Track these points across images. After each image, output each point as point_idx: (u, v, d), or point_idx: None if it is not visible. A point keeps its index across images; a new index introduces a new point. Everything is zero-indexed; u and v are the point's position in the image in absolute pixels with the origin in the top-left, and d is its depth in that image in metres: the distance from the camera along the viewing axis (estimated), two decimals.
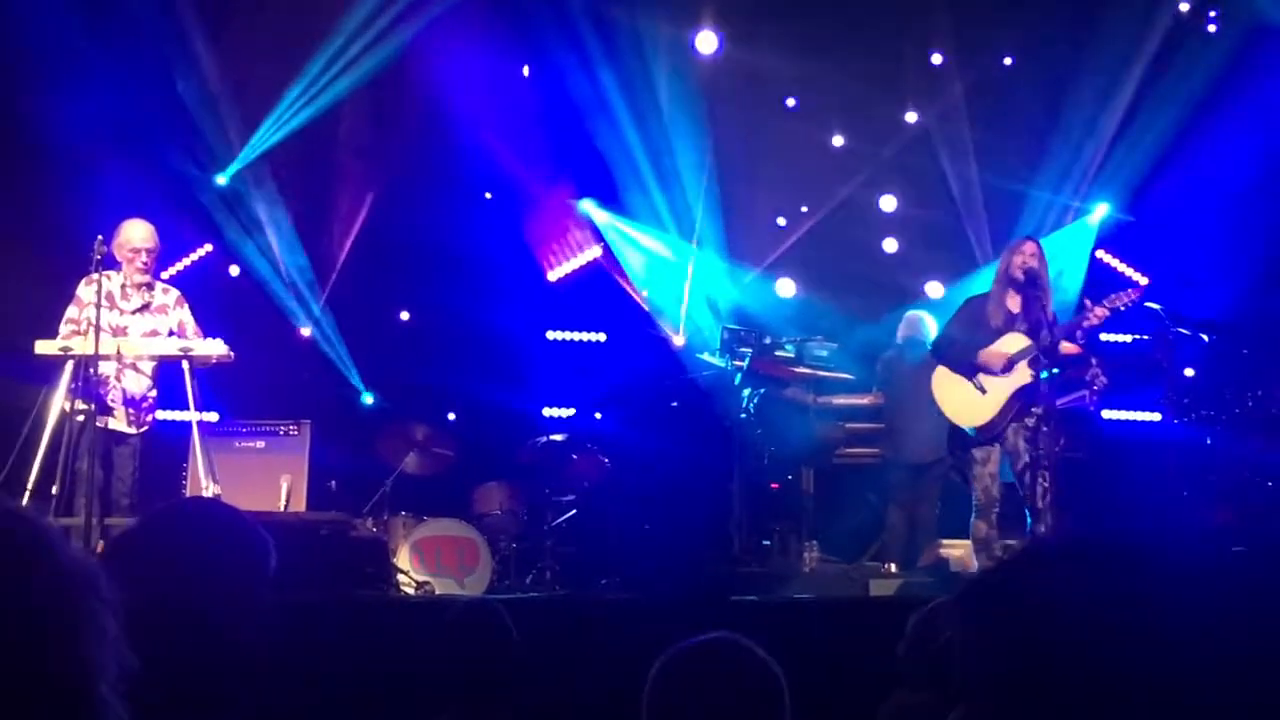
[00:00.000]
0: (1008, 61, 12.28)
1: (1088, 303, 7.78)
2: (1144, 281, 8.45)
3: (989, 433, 7.73)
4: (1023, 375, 7.64)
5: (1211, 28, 11.61)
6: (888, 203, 12.52)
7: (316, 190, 11.38)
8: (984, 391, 7.73)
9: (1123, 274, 11.98)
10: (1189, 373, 9.51)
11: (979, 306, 7.99)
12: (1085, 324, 7.67)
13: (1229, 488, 9.19)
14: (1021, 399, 7.61)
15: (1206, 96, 11.37)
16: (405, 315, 11.57)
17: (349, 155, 11.57)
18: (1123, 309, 7.72)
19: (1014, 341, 7.72)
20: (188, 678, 1.96)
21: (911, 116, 12.50)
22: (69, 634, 1.19)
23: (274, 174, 11.02)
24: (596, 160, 11.78)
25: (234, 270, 11.00)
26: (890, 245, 12.60)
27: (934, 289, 11.99)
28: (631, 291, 12.13)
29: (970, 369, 7.83)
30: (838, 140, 12.50)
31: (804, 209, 12.44)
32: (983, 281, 8.82)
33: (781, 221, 12.53)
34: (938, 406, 9.64)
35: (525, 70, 11.80)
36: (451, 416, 10.26)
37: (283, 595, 2.22)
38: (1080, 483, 7.88)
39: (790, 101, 12.38)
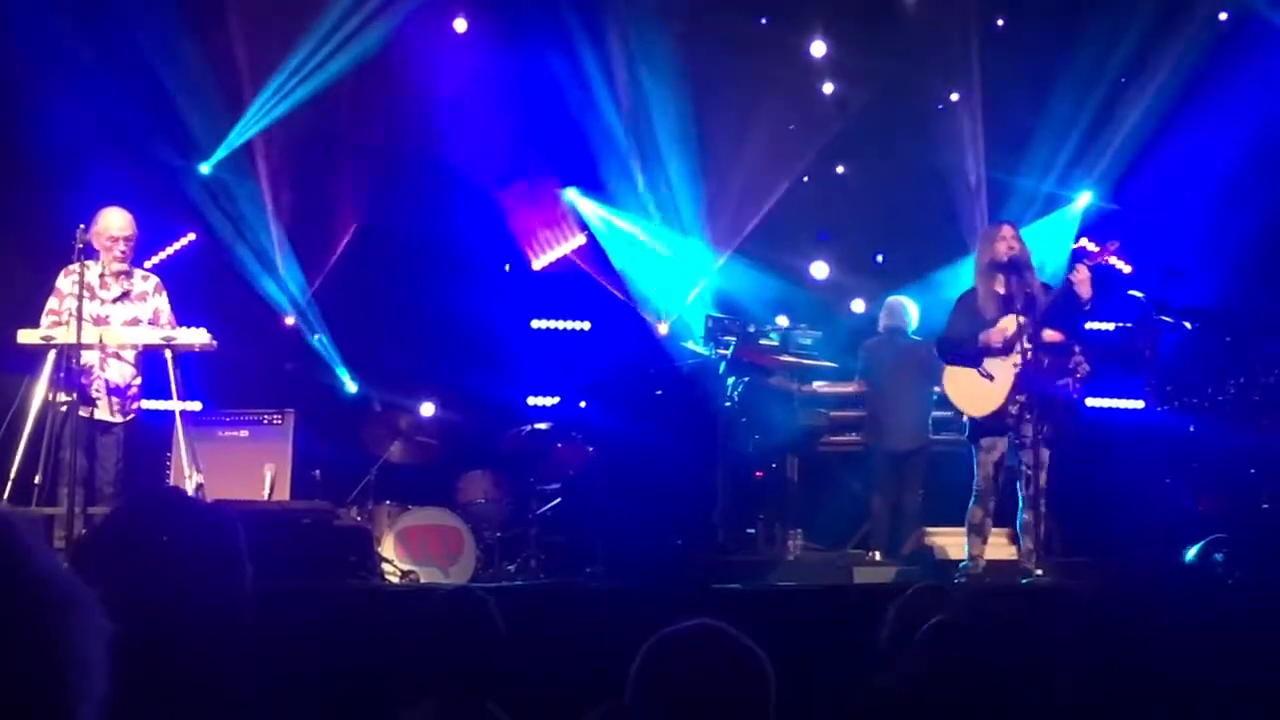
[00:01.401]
0: (1000, 22, 12.25)
1: (1078, 266, 7.73)
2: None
3: (1000, 419, 7.70)
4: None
5: (1223, 14, 11.54)
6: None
7: (301, 178, 11.33)
8: (991, 379, 7.69)
9: (1108, 264, 11.96)
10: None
11: (971, 301, 7.98)
12: (1074, 284, 7.60)
13: (1211, 475, 9.22)
14: (1023, 381, 7.58)
15: (1191, 84, 11.36)
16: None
17: (333, 144, 11.52)
18: (1105, 263, 7.76)
19: (1012, 323, 7.68)
20: (164, 668, 1.95)
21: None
22: (48, 663, 1.13)
23: (257, 162, 10.99)
24: (581, 145, 11.74)
25: (217, 258, 10.93)
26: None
27: None
28: (614, 280, 12.09)
29: (974, 357, 7.78)
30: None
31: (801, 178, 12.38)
32: (968, 270, 8.78)
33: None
34: (920, 394, 9.72)
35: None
36: (431, 408, 10.19)
37: (266, 584, 2.21)
38: (1063, 471, 7.89)
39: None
